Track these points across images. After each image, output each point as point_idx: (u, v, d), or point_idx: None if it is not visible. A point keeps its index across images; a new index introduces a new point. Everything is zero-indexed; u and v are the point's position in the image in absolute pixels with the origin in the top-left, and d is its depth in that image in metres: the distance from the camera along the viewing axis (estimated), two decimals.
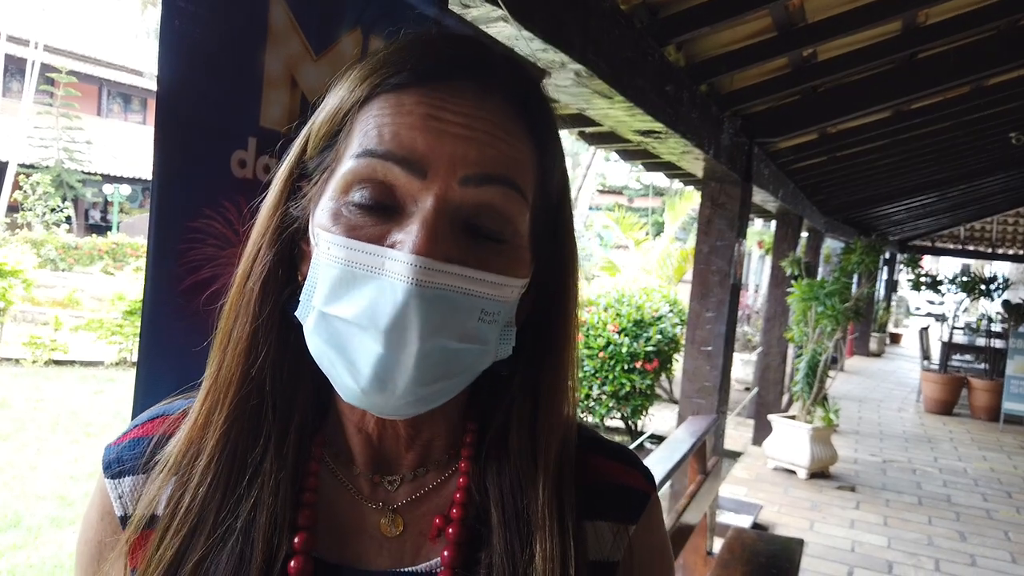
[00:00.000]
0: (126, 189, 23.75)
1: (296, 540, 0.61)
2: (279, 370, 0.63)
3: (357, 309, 0.55)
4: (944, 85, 4.52)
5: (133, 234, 20.78)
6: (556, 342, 0.68)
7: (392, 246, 0.55)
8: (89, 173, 23.00)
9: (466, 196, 0.56)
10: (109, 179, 23.91)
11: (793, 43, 3.47)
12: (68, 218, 21.60)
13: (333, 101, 0.61)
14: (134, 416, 1.00)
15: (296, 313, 0.60)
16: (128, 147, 25.45)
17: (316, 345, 0.59)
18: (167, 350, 1.03)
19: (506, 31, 1.81)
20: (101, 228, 24.23)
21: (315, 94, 1.21)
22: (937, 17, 3.71)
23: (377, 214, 0.56)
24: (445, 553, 0.63)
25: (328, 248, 0.57)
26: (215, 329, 1.09)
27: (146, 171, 25.22)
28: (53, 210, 20.68)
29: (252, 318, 0.62)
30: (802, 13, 3.34)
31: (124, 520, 0.65)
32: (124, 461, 0.67)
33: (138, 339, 1.01)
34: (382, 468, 0.68)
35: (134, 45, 27.35)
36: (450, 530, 0.64)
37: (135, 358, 9.84)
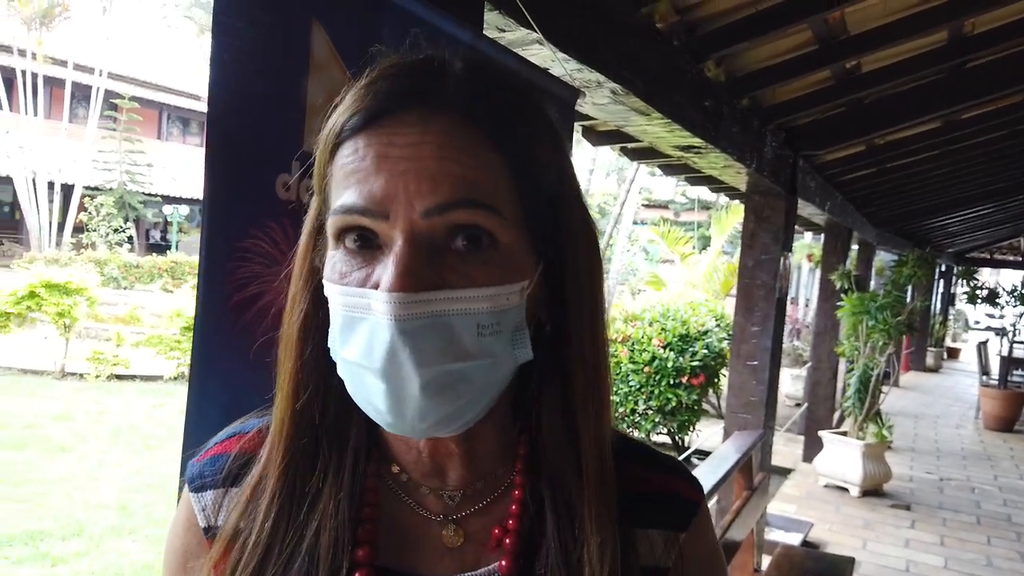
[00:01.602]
0: (184, 209, 24.57)
1: (359, 554, 0.64)
2: (326, 406, 0.67)
3: (359, 351, 0.59)
4: (995, 94, 4.43)
5: (191, 253, 21.42)
6: (579, 340, 0.66)
7: (376, 286, 0.57)
8: (150, 194, 23.85)
9: (432, 225, 0.57)
10: (168, 200, 24.74)
11: (835, 56, 3.45)
12: (130, 238, 22.43)
13: (317, 157, 0.65)
14: (186, 427, 1.07)
15: (333, 357, 0.64)
16: (186, 168, 26.31)
17: (347, 387, 0.63)
18: (217, 364, 1.10)
19: (542, 53, 1.87)
20: (161, 247, 25.05)
21: None
22: (985, 26, 3.65)
23: (363, 256, 0.59)
24: (503, 563, 0.66)
25: (332, 296, 0.61)
26: (260, 344, 1.16)
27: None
28: (116, 230, 21.50)
29: (295, 360, 0.66)
30: (843, 26, 3.32)
31: (207, 531, 0.71)
32: (205, 476, 0.71)
33: (190, 354, 1.08)
34: (439, 482, 0.70)
35: (191, 70, 28.31)
36: (507, 541, 0.67)
37: None
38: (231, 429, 0.75)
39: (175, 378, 10.18)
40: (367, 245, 0.59)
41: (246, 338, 1.14)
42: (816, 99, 4.07)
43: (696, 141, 3.05)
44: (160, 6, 28.36)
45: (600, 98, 2.38)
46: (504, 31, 1.76)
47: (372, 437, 0.70)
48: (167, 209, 24.60)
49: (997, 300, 9.84)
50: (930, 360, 15.31)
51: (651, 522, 0.71)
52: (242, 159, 1.11)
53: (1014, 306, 10.03)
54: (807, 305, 13.93)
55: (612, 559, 0.64)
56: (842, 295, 7.04)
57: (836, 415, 8.48)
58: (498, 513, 0.69)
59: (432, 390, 0.57)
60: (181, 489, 1.06)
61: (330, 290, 0.61)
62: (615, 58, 2.17)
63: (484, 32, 1.62)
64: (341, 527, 0.64)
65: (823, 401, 7.96)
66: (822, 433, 6.92)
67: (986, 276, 17.86)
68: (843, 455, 6.53)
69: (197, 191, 25.43)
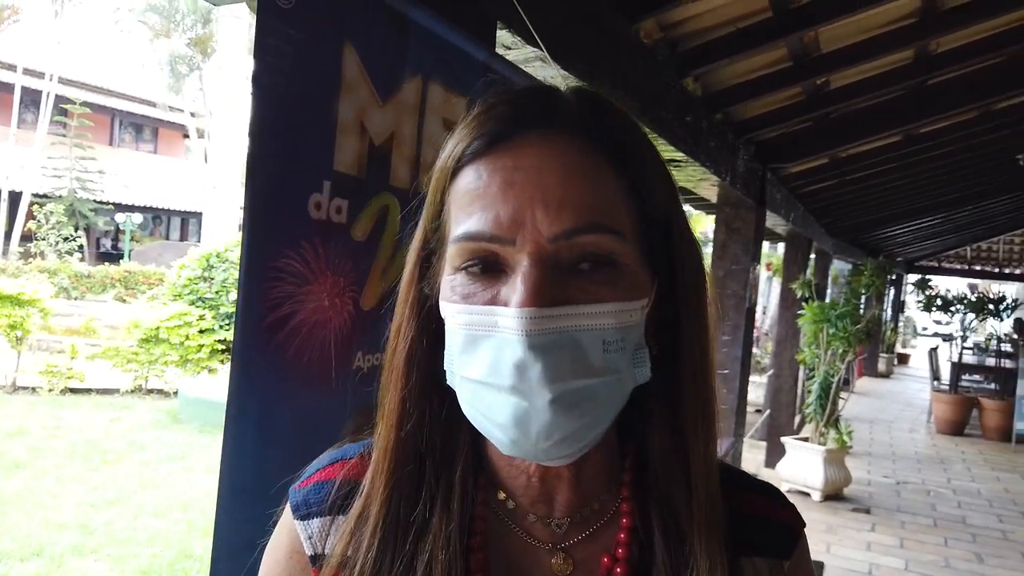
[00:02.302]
0: (137, 217, 24.02)
1: None
2: (433, 434, 0.67)
3: (485, 369, 0.59)
4: (954, 110, 4.61)
5: (145, 262, 20.93)
6: (690, 361, 0.66)
7: (504, 304, 0.58)
8: (101, 202, 23.23)
9: (559, 249, 0.58)
10: (121, 208, 24.14)
11: (808, 72, 3.56)
12: (80, 247, 21.81)
13: (432, 184, 0.66)
14: (224, 439, 1.06)
15: (447, 381, 0.65)
16: (139, 176, 25.73)
17: (465, 408, 0.63)
18: (254, 381, 1.10)
19: (544, 71, 1.89)
20: (113, 256, 24.42)
21: (381, 138, 1.30)
22: (948, 45, 3.79)
23: (486, 279, 0.60)
24: None
25: (452, 316, 0.62)
26: (295, 363, 1.16)
27: (157, 199, 25.47)
28: (66, 239, 20.90)
29: (399, 389, 0.67)
30: (816, 44, 3.42)
31: (314, 559, 0.70)
32: (311, 504, 0.71)
33: (228, 374, 1.07)
34: (547, 509, 0.69)
35: (144, 75, 27.74)
36: (617, 570, 0.66)
37: (150, 385, 9.91)
38: (332, 454, 0.75)
39: (132, 391, 9.94)
40: (489, 269, 0.60)
41: (279, 357, 1.14)
42: (786, 114, 4.18)
43: (679, 155, 3.11)
44: (113, 10, 27.76)
45: None
46: (510, 49, 1.79)
47: (479, 464, 0.70)
48: (119, 217, 24.00)
49: (950, 308, 10.16)
50: (882, 366, 15.73)
51: (756, 550, 0.70)
52: (278, 178, 1.11)
53: (964, 313, 10.38)
54: (764, 313, 14.20)
55: None
56: (803, 303, 7.22)
57: (797, 420, 8.67)
58: (605, 540, 0.68)
59: (560, 406, 0.57)
60: (223, 507, 1.06)
61: (450, 310, 0.62)
62: (612, 75, 2.21)
63: (496, 51, 1.64)
64: (454, 559, 0.63)
65: (785, 408, 8.13)
66: (785, 439, 7.06)
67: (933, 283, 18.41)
68: (805, 460, 6.68)
69: (151, 198, 24.95)
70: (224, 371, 10.27)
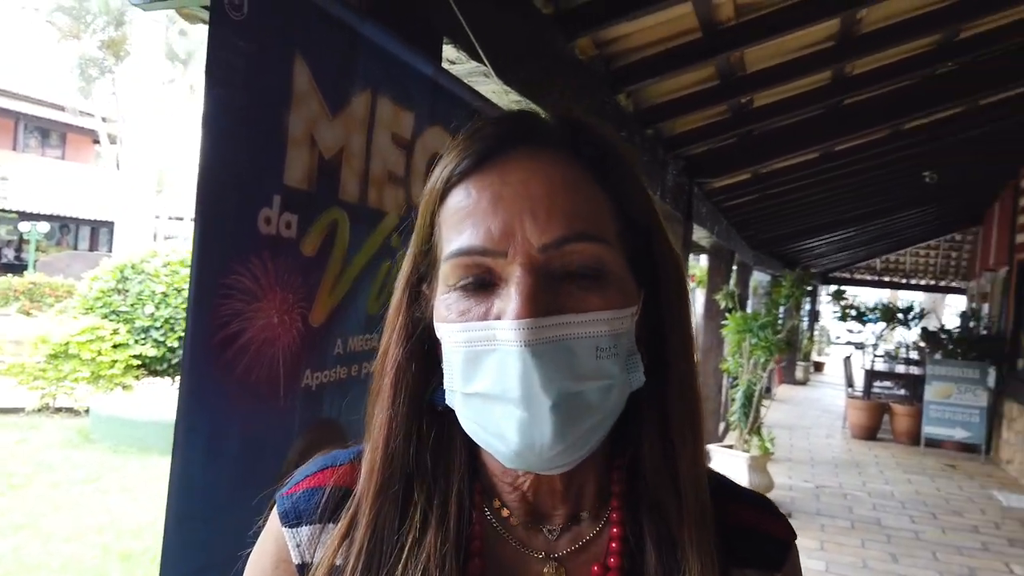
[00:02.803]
0: (43, 226, 22.82)
1: None
2: (421, 455, 0.67)
3: (488, 383, 0.60)
4: (867, 129, 4.85)
5: (51, 273, 19.90)
6: (677, 369, 0.67)
7: (499, 318, 0.60)
8: (4, 210, 22.03)
9: (550, 259, 0.60)
10: (26, 216, 22.93)
11: (733, 91, 3.69)
12: None
13: (421, 209, 0.67)
14: (173, 457, 1.02)
15: (445, 401, 0.65)
16: (45, 183, 24.52)
17: (467, 424, 0.64)
18: (203, 399, 1.06)
19: (487, 85, 1.90)
20: (16, 267, 23.13)
21: (331, 152, 1.28)
22: (863, 68, 3.99)
23: (480, 295, 0.61)
24: None
25: (449, 336, 0.63)
26: (243, 382, 1.13)
27: (64, 207, 24.33)
28: None
29: (387, 410, 0.67)
30: (742, 64, 3.55)
31: (301, 568, 0.69)
32: (301, 511, 0.70)
33: (177, 392, 1.04)
34: (539, 519, 0.70)
35: (52, 78, 26.52)
36: None
37: (59, 403, 9.42)
38: (322, 460, 0.73)
39: (39, 410, 9.43)
40: (483, 285, 0.61)
41: (229, 375, 1.11)
42: (712, 130, 4.31)
43: None
44: (19, 9, 26.47)
45: None
46: (454, 63, 1.79)
47: (474, 477, 0.70)
48: (24, 226, 22.75)
49: (864, 318, 10.63)
50: (800, 374, 16.30)
51: (746, 561, 0.71)
52: (228, 192, 1.08)
53: (875, 322, 10.88)
54: None
55: None
56: (726, 314, 7.43)
57: (720, 428, 8.90)
58: (597, 549, 0.69)
59: (560, 413, 0.59)
60: (171, 532, 1.01)
61: (447, 330, 0.63)
62: (550, 90, 2.24)
63: (442, 66, 1.63)
64: (449, 571, 0.64)
65: (710, 416, 8.33)
66: (710, 447, 7.24)
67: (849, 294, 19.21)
68: (730, 467, 6.86)
69: (58, 206, 23.80)
70: (140, 387, 9.88)
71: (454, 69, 1.82)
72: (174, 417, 1.02)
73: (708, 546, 0.66)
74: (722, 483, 0.76)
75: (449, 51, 1.73)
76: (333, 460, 0.73)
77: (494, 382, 0.60)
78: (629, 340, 0.64)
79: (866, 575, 5.33)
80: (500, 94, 2.01)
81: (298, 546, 0.69)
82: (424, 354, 0.67)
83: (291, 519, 0.70)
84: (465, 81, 1.89)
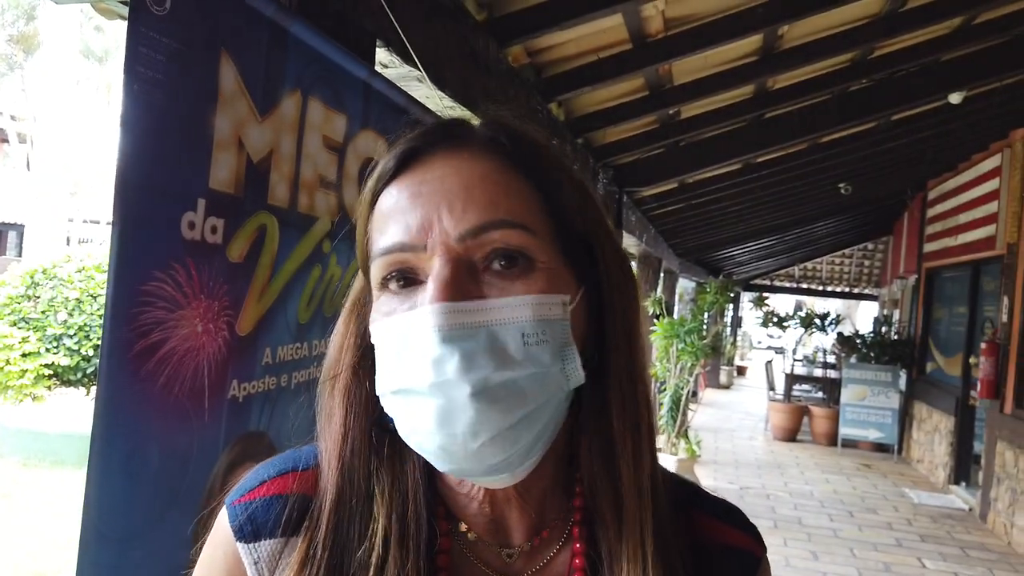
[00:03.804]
0: None
1: None
2: (377, 471, 0.65)
3: (405, 375, 0.58)
4: (787, 142, 5.02)
5: None
6: (616, 377, 0.65)
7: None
8: None
9: (468, 248, 0.59)
10: None
11: (662, 103, 3.76)
12: None
13: (358, 219, 0.66)
14: (88, 476, 0.97)
15: (384, 408, 0.63)
16: None
17: (400, 430, 0.61)
18: (119, 414, 1.01)
19: (421, 90, 1.88)
20: None
21: (259, 155, 1.24)
22: (784, 83, 4.13)
23: (406, 294, 0.60)
24: None
25: (377, 336, 0.61)
26: (164, 394, 1.08)
27: None
28: None
29: (338, 428, 0.65)
30: (670, 76, 3.62)
31: None
32: (259, 524, 0.64)
33: (93, 406, 0.98)
34: (500, 536, 0.68)
35: None
36: None
37: None
38: (279, 463, 0.68)
39: None
40: (410, 284, 0.60)
41: (148, 388, 1.05)
42: (641, 140, 4.39)
43: None
44: None
45: None
46: (387, 67, 1.77)
47: (435, 497, 0.67)
48: None
49: (784, 324, 10.98)
50: (724, 378, 16.74)
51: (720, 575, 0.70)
52: (149, 196, 1.03)
53: (795, 328, 11.26)
54: None
55: None
56: (654, 320, 7.58)
57: None
58: (560, 568, 0.67)
59: (483, 400, 0.56)
60: (87, 554, 0.96)
61: (375, 330, 0.61)
62: (482, 97, 2.23)
63: (376, 69, 1.61)
64: None
65: None
66: None
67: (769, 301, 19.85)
68: None
69: None
70: (51, 398, 9.42)
71: (387, 73, 1.80)
72: (89, 431, 0.97)
73: (665, 559, 0.64)
74: (689, 491, 0.74)
75: (382, 55, 1.70)
76: (294, 463, 0.68)
77: (410, 373, 0.57)
78: (563, 330, 0.60)
79: (789, 573, 5.48)
80: (434, 99, 2.00)
81: (256, 563, 0.64)
82: (371, 368, 0.64)
83: (247, 533, 0.64)
84: (399, 85, 1.87)
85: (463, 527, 0.67)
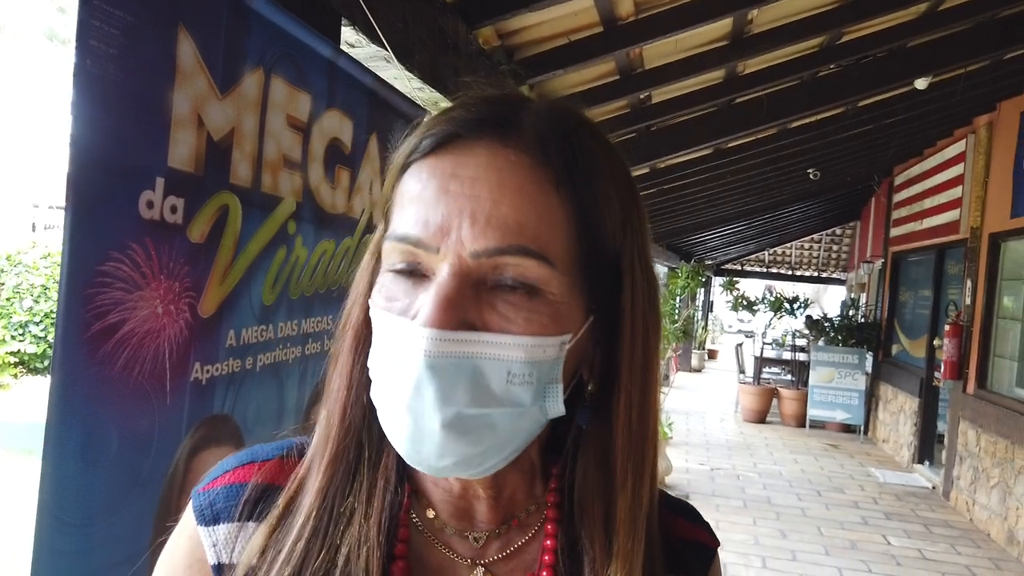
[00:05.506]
0: None
1: None
2: (371, 425, 0.64)
3: (390, 378, 0.58)
4: (757, 127, 5.04)
5: None
6: (627, 407, 0.63)
7: (416, 316, 0.56)
8: None
9: (480, 266, 0.56)
10: None
11: (633, 87, 3.75)
12: None
13: (386, 181, 0.64)
14: (43, 466, 0.95)
15: None
16: None
17: (378, 411, 0.61)
18: (76, 402, 0.99)
19: (390, 71, 1.86)
20: None
21: (220, 133, 1.22)
22: (753, 68, 4.15)
23: (410, 283, 0.58)
24: None
25: (374, 316, 0.60)
26: (123, 377, 1.06)
27: None
28: None
29: (345, 376, 0.65)
30: (641, 60, 3.62)
31: (218, 568, 0.64)
32: (218, 509, 0.66)
33: (48, 392, 0.96)
34: (468, 524, 0.68)
35: None
36: None
37: None
38: (243, 456, 0.69)
39: None
40: (415, 271, 0.58)
41: (106, 371, 1.03)
42: (613, 125, 4.38)
43: None
44: None
45: None
46: (354, 47, 1.74)
47: (406, 470, 0.67)
48: None
49: (754, 308, 11.10)
50: (695, 362, 16.91)
51: (678, 569, 0.71)
52: (104, 174, 1.01)
53: (765, 312, 11.39)
54: None
55: None
56: None
57: None
58: (527, 558, 0.67)
59: (452, 432, 0.56)
60: (42, 540, 0.94)
61: (375, 312, 0.60)
62: (452, 79, 2.21)
63: (341, 48, 1.58)
64: (371, 554, 0.61)
65: None
66: None
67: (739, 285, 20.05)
68: None
69: None
70: (17, 386, 9.27)
71: (354, 52, 1.77)
72: (45, 415, 0.95)
73: (641, 564, 0.64)
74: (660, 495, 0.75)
75: (348, 34, 1.68)
76: (254, 455, 0.69)
77: (394, 380, 0.57)
78: (552, 368, 0.59)
79: (759, 551, 5.58)
80: (402, 80, 1.97)
81: (214, 545, 0.65)
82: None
83: (207, 517, 0.65)
84: (367, 66, 1.85)
85: (427, 510, 0.68)
